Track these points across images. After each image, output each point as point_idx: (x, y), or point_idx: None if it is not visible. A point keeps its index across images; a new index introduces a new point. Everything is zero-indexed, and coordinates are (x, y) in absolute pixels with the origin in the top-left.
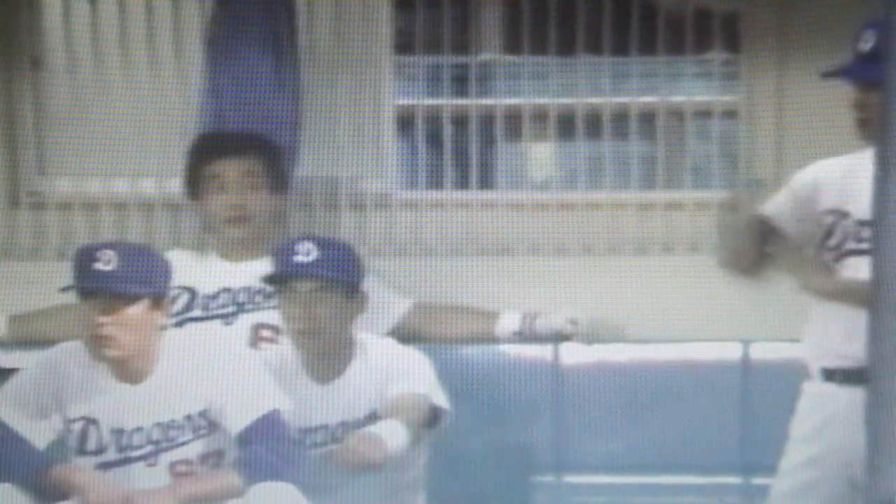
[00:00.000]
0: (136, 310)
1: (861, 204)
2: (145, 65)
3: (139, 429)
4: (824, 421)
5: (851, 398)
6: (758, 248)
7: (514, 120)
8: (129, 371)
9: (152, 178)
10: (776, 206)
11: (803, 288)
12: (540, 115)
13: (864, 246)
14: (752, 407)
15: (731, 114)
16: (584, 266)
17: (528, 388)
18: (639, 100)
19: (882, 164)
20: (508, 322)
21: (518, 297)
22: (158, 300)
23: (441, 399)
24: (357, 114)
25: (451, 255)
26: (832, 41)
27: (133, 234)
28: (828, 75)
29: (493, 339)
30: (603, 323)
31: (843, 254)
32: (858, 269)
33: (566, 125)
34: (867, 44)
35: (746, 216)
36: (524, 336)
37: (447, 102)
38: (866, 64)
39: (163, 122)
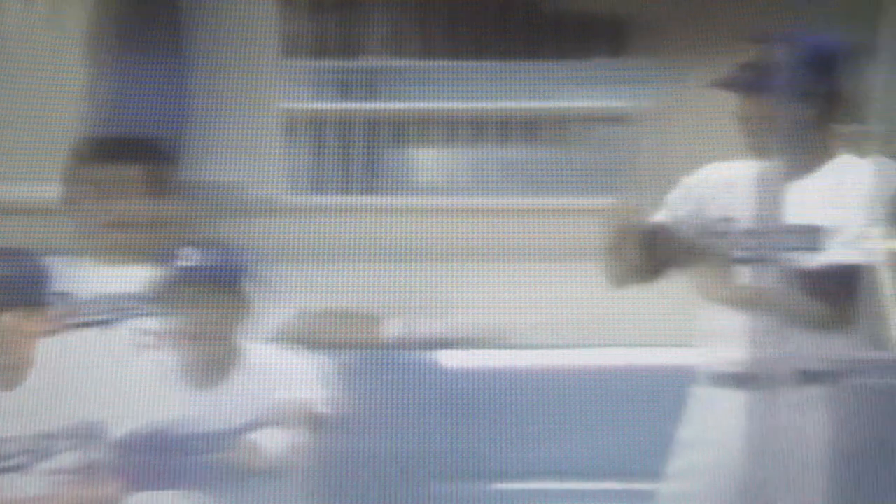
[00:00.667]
0: (9, 317)
1: (748, 212)
2: (23, 65)
3: (13, 438)
4: (712, 425)
5: (738, 402)
6: (654, 258)
7: (400, 125)
8: (1, 379)
9: (29, 181)
10: (670, 210)
11: (703, 294)
12: (426, 120)
13: (750, 254)
14: (638, 412)
15: (616, 120)
16: (470, 271)
17: (413, 394)
18: (524, 105)
19: (767, 173)
20: (390, 327)
21: (404, 303)
22: (35, 307)
23: (325, 405)
24: (244, 118)
25: (338, 261)
26: (718, 50)
27: (12, 238)
28: (715, 85)
29: (376, 345)
30: (486, 328)
31: (730, 261)
32: (744, 278)
33: (452, 130)
34: (753, 55)
35: (639, 227)
36: (407, 341)
37: (335, 107)
38: (753, 74)
39: (41, 124)
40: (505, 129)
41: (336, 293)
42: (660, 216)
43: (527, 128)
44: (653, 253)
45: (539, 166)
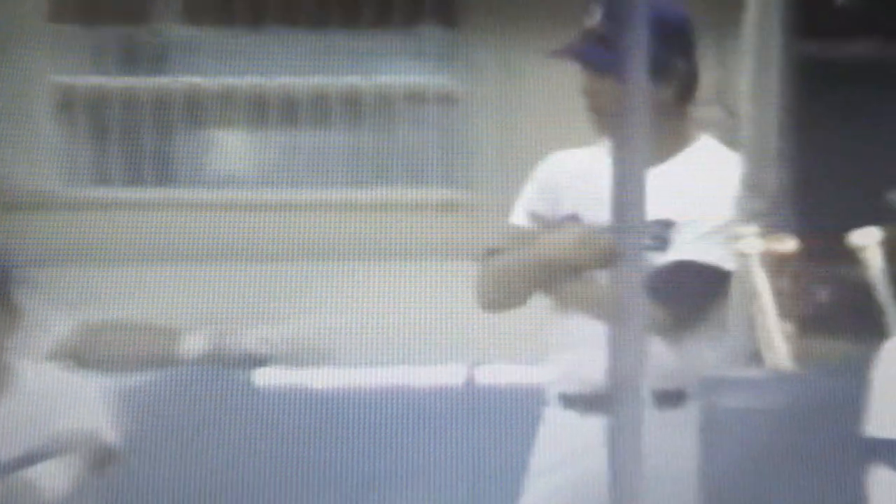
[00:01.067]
0: None
1: (598, 208)
2: None
3: None
4: (565, 452)
5: (593, 426)
6: (528, 274)
7: (198, 104)
8: None
9: None
10: (526, 206)
11: (552, 300)
12: (228, 98)
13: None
14: (481, 436)
15: (448, 98)
16: (284, 275)
17: (218, 420)
18: (345, 81)
19: (619, 161)
20: (192, 341)
21: (207, 312)
22: None
23: (114, 435)
24: (4, 94)
25: (125, 263)
26: (567, 14)
27: None
28: (555, 55)
29: (175, 362)
30: (305, 342)
31: (577, 265)
32: (594, 283)
33: (259, 110)
34: (595, 21)
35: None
36: (212, 358)
37: (119, 82)
38: (596, 44)
39: None
40: (323, 108)
41: (126, 301)
42: (516, 217)
43: (348, 107)
44: (520, 264)
45: (363, 152)
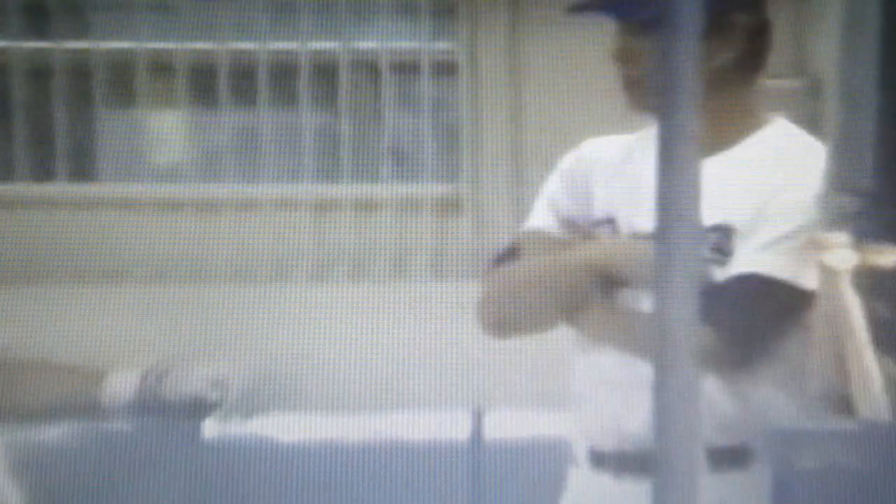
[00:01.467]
0: None
1: (636, 210)
2: None
3: None
4: None
5: (632, 493)
6: (548, 290)
7: (124, 75)
8: None
9: None
10: (548, 206)
11: (578, 331)
12: (151, 65)
13: (641, 270)
14: (487, 497)
15: (445, 68)
16: (240, 295)
17: (154, 479)
18: (310, 46)
19: (665, 151)
20: (121, 383)
21: (139, 344)
22: None
23: (15, 501)
24: None
25: (33, 281)
26: None
27: None
28: (578, 10)
29: (100, 411)
30: (267, 382)
31: (612, 283)
32: (634, 308)
33: (205, 84)
34: None
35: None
36: (147, 404)
37: (21, 48)
38: None
39: None
40: (287, 82)
41: (34, 331)
42: (535, 219)
43: (320, 80)
44: (538, 277)
45: (339, 137)
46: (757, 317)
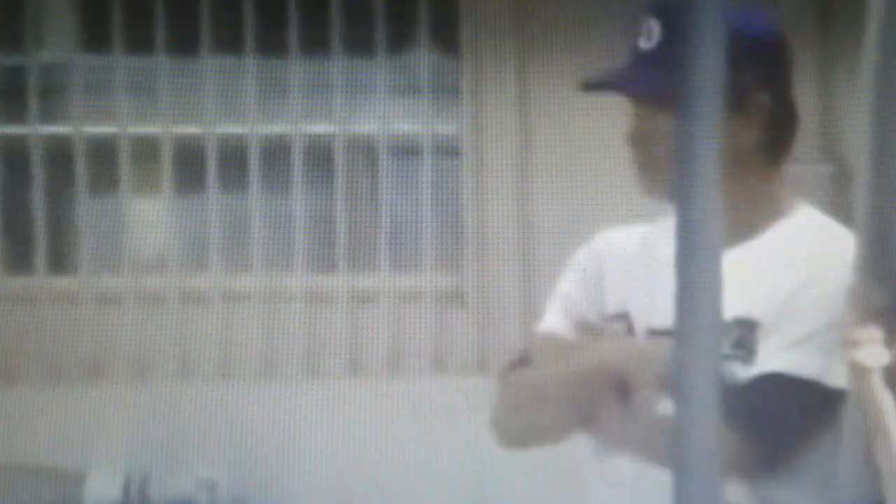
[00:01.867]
0: None
1: (653, 305)
2: None
3: None
4: None
5: None
6: (564, 397)
7: (100, 157)
8: None
9: None
10: (561, 303)
11: (593, 435)
12: (134, 150)
13: (656, 370)
14: None
15: (447, 151)
16: (229, 393)
17: None
18: (303, 128)
19: (683, 240)
20: (103, 487)
21: (122, 446)
22: None
23: None
24: None
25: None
26: (605, 31)
27: None
28: (591, 88)
29: None
30: (254, 484)
31: (629, 387)
32: (652, 412)
33: (190, 168)
34: (651, 39)
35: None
36: None
37: None
38: (649, 70)
39: None
40: (278, 166)
41: (7, 433)
42: (548, 321)
43: (313, 164)
44: (554, 385)
45: (334, 225)
46: (783, 418)
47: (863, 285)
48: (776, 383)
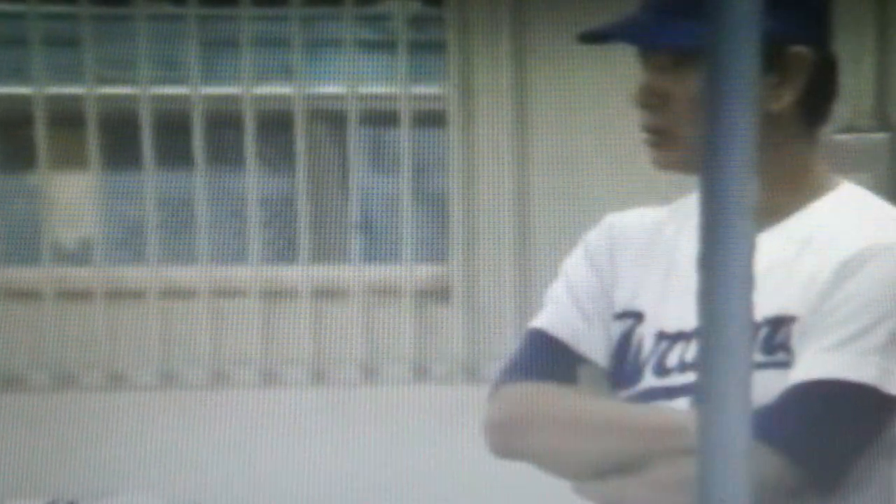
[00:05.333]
0: None
1: (667, 302)
2: None
3: None
4: None
5: None
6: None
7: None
8: None
9: None
10: (565, 294)
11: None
12: (53, 114)
13: (675, 381)
14: None
15: (431, 117)
16: (160, 404)
17: None
18: (256, 90)
19: (707, 223)
20: None
21: (30, 463)
22: None
23: None
24: None
25: None
26: None
27: None
28: (600, 39)
29: None
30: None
31: (640, 395)
32: (665, 425)
33: (115, 133)
34: None
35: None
36: None
37: None
38: (671, 15)
39: None
40: (229, 135)
41: None
42: (550, 315)
43: (271, 133)
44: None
45: (297, 205)
46: (838, 434)
47: None
48: (824, 391)
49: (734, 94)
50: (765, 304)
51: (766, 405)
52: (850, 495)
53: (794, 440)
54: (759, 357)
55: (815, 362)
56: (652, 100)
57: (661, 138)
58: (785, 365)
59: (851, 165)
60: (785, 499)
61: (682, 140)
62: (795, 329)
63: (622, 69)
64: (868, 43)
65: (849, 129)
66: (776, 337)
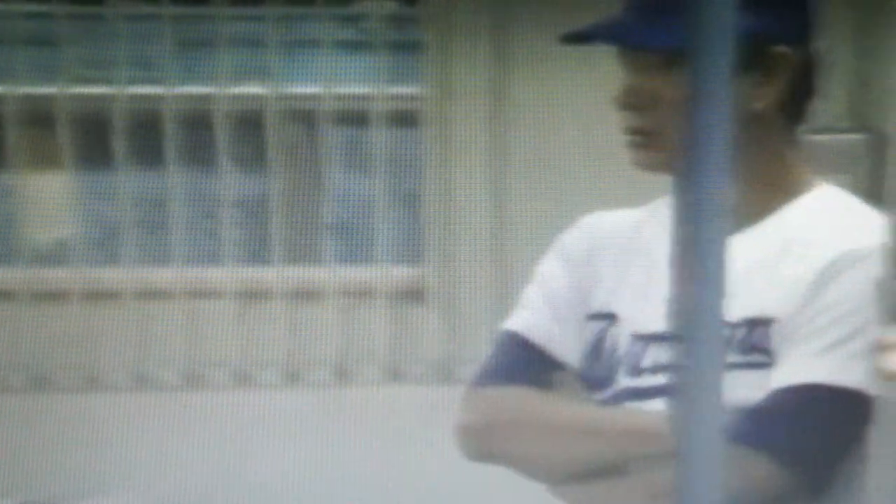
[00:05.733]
0: None
1: (643, 303)
2: None
3: None
4: None
5: None
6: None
7: None
8: None
9: None
10: (539, 297)
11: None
12: (27, 114)
13: (649, 382)
14: None
15: (406, 118)
16: (135, 405)
17: None
18: (230, 90)
19: (684, 224)
20: None
21: (4, 464)
22: None
23: None
24: None
25: None
26: None
27: None
28: (577, 39)
29: None
30: None
31: (613, 396)
32: (639, 428)
33: (89, 132)
34: None
35: None
36: None
37: None
38: (652, 15)
39: None
40: (200, 134)
41: None
42: (526, 317)
43: (242, 132)
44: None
45: (269, 204)
46: (821, 437)
47: (894, 278)
48: (813, 397)
49: (711, 96)
50: (743, 305)
51: (751, 408)
52: (836, 498)
53: (780, 444)
54: (735, 357)
55: (801, 366)
56: (635, 101)
57: (645, 139)
58: (762, 366)
59: (828, 166)
60: (770, 502)
61: (665, 141)
62: (775, 331)
63: (600, 71)
64: (845, 44)
65: (826, 129)
66: (753, 338)
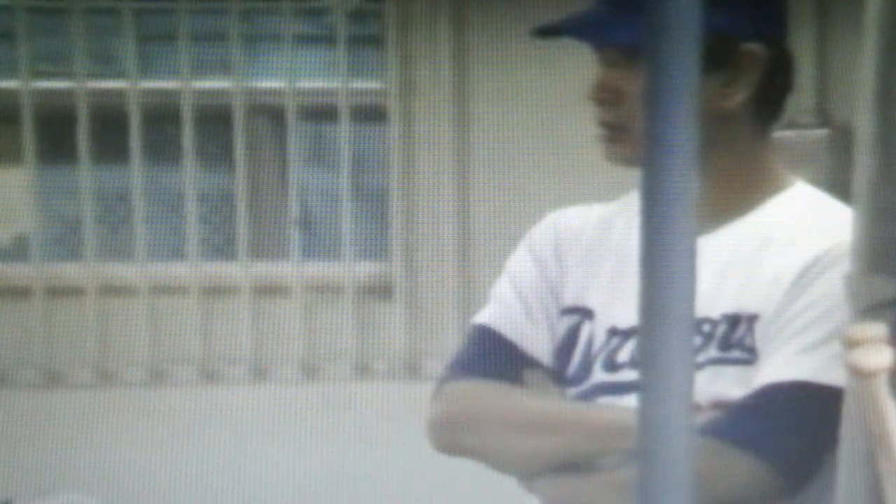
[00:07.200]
0: None
1: (615, 298)
2: None
3: None
4: None
5: None
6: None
7: None
8: None
9: None
10: (509, 292)
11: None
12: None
13: (625, 377)
14: None
15: (371, 112)
16: (97, 402)
17: None
18: (195, 84)
19: (650, 220)
20: None
21: None
22: None
23: None
24: None
25: None
26: None
27: None
28: (544, 34)
29: None
30: None
31: (589, 391)
32: (611, 422)
33: (50, 127)
34: None
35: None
36: None
37: None
38: (621, 10)
39: None
40: (164, 130)
41: None
42: (496, 311)
43: (208, 128)
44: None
45: (233, 201)
46: (806, 434)
47: (865, 274)
48: (798, 395)
49: (674, 91)
50: (723, 302)
51: (737, 405)
52: (817, 495)
53: (765, 441)
54: (715, 353)
55: (787, 364)
56: (605, 95)
57: (615, 133)
58: (742, 362)
59: (792, 162)
60: (754, 499)
61: (635, 135)
62: (758, 328)
63: (562, 66)
64: (808, 40)
65: (789, 125)
66: (735, 334)
